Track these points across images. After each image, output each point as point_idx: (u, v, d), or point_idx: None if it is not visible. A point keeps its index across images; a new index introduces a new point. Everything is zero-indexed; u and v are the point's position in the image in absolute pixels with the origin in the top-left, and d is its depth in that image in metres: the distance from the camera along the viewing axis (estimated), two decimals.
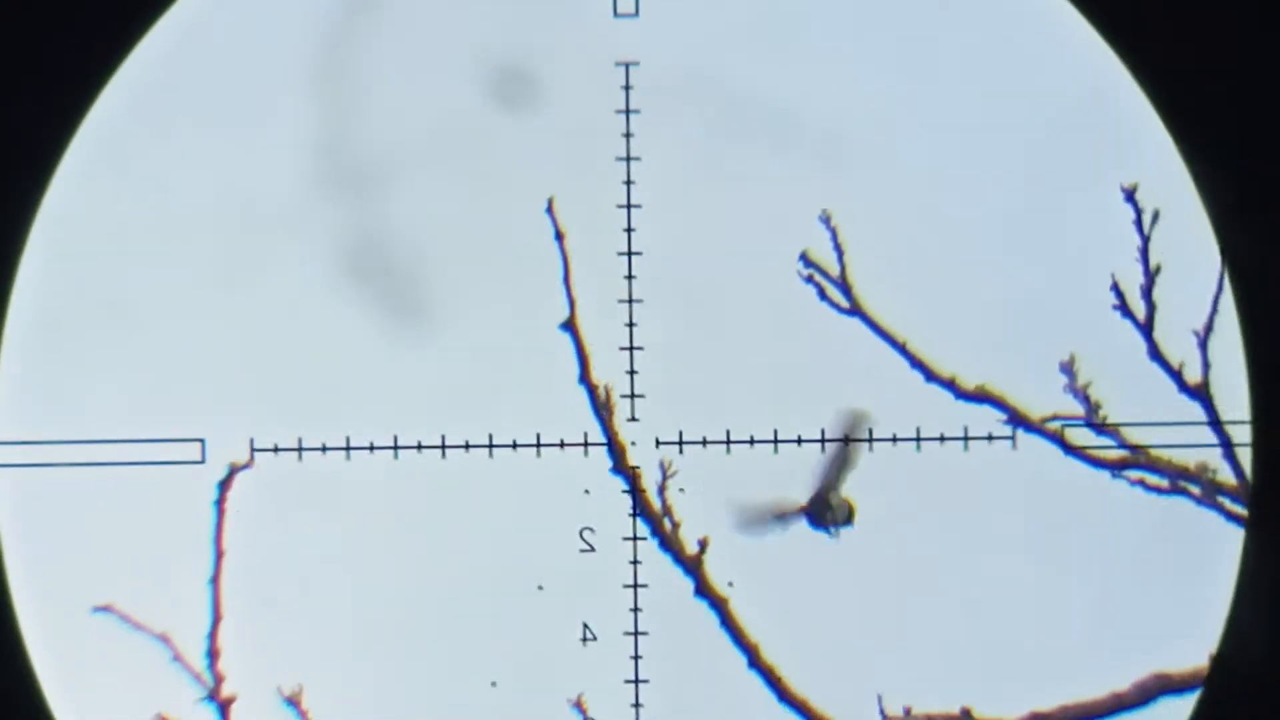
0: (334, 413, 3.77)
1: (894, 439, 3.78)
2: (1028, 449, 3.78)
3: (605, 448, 3.77)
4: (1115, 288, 3.71)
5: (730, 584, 3.75)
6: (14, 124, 3.62)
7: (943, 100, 3.79)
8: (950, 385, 3.78)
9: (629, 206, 3.78)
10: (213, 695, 3.69)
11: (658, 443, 3.78)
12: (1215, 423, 3.71)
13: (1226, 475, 3.72)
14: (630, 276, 3.78)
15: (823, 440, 3.79)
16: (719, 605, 3.75)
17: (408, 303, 3.75)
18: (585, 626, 3.78)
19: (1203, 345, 3.70)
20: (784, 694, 3.74)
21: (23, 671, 3.62)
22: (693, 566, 3.75)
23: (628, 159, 3.78)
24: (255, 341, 3.76)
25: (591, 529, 3.79)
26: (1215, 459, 3.73)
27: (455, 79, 3.76)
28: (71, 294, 3.75)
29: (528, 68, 3.75)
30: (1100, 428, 3.76)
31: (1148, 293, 3.70)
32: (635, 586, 3.77)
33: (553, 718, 3.74)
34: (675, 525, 3.76)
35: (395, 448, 3.77)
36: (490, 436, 3.78)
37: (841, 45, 3.79)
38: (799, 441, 3.78)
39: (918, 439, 3.78)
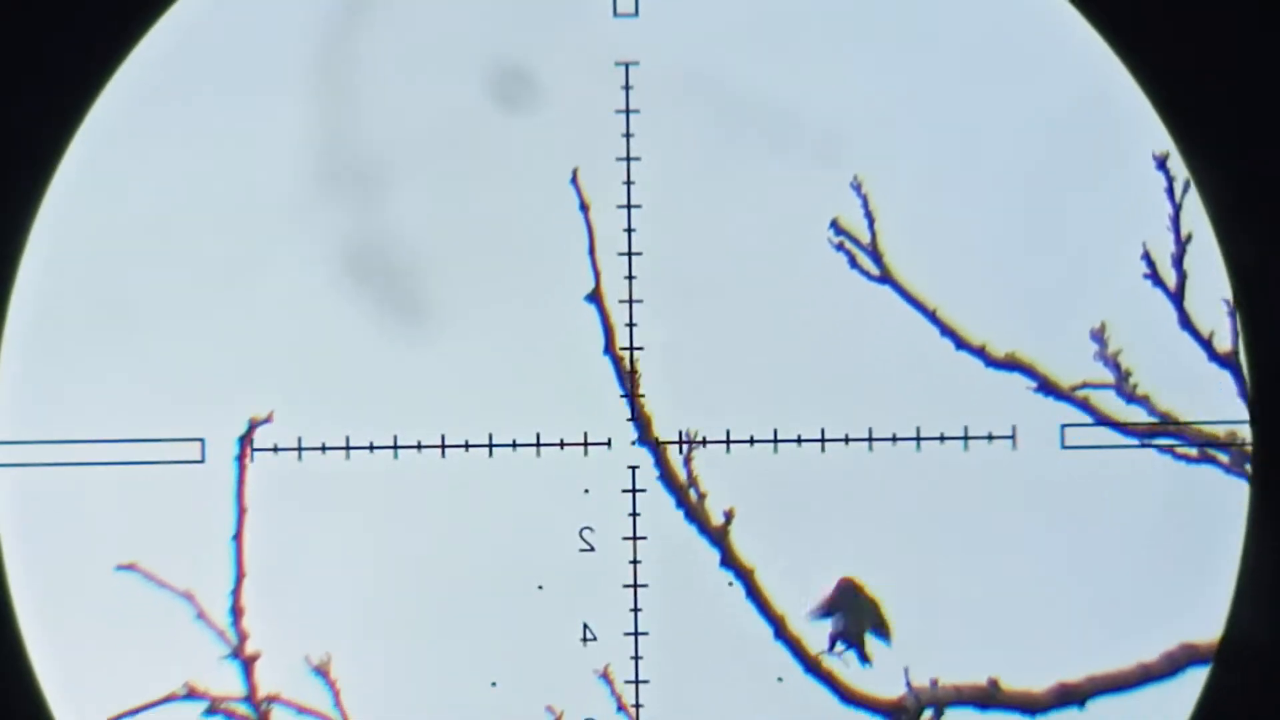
0: (334, 413, 3.77)
1: (894, 439, 3.78)
2: (1028, 449, 3.79)
3: (631, 421, 3.77)
4: (1146, 255, 3.72)
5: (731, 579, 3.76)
6: (14, 124, 3.62)
7: (943, 100, 3.79)
8: (980, 353, 3.78)
9: (629, 207, 3.78)
10: (236, 653, 3.71)
11: (658, 442, 3.78)
12: (1244, 393, 3.71)
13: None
14: (630, 277, 3.78)
15: (822, 441, 3.79)
16: (745, 576, 3.75)
17: (408, 302, 3.75)
18: (585, 626, 3.78)
19: (1233, 314, 3.70)
20: (810, 665, 3.74)
21: (23, 671, 3.62)
22: (718, 537, 3.75)
23: (628, 159, 3.78)
24: (255, 341, 3.76)
25: (591, 529, 3.79)
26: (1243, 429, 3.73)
27: (455, 79, 3.76)
28: (71, 294, 3.75)
29: (528, 67, 3.75)
30: (1130, 396, 3.76)
31: (1179, 261, 3.71)
32: (635, 586, 3.77)
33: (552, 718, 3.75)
34: (701, 496, 3.76)
35: (395, 447, 3.77)
36: (490, 436, 3.78)
37: (841, 45, 3.79)
38: (799, 441, 3.79)
39: (918, 439, 3.78)
